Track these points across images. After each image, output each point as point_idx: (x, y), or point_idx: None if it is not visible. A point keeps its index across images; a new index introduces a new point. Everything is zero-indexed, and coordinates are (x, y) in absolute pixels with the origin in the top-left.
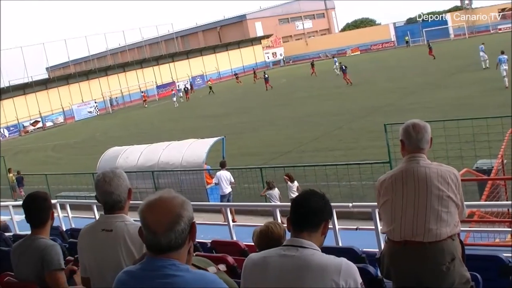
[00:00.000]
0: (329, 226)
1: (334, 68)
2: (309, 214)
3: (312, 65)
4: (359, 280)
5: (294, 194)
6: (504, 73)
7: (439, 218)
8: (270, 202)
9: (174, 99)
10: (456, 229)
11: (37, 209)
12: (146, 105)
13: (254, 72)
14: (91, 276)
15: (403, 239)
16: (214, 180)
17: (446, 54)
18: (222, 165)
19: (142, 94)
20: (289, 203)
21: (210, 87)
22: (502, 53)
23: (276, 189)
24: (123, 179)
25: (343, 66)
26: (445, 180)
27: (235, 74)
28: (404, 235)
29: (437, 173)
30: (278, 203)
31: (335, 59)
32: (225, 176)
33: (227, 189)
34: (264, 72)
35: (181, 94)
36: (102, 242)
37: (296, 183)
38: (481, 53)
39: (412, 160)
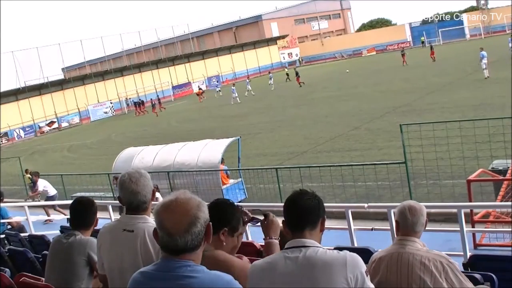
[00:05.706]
0: (345, 226)
1: (269, 83)
2: (306, 213)
3: (403, 54)
4: (364, 267)
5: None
6: (484, 66)
7: None
8: None
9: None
10: None
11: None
12: (201, 101)
13: (200, 93)
14: (109, 274)
15: None
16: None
17: (463, 54)
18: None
19: (199, 87)
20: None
21: (287, 74)
22: (482, 49)
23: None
24: (148, 179)
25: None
26: (428, 269)
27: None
28: None
29: (421, 261)
30: None
31: (270, 74)
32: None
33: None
34: (295, 69)
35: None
36: (122, 242)
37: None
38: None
39: (399, 244)
